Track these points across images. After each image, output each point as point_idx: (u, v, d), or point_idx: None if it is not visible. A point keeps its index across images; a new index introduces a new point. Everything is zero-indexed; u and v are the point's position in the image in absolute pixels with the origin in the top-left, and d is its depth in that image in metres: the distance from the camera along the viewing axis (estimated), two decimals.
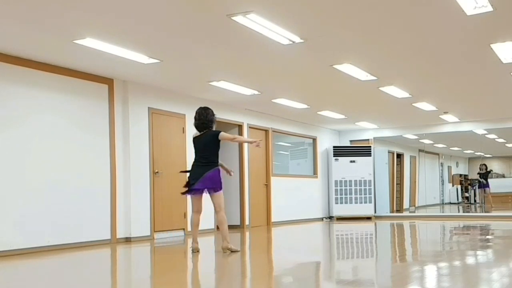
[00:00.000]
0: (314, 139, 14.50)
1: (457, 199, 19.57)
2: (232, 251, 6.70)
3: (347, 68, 8.14)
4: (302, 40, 6.59)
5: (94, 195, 8.17)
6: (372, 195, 14.39)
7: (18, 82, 7.20)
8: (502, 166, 19.37)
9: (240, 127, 11.47)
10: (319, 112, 12.25)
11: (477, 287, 4.34)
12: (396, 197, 16.86)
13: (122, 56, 7.13)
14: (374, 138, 15.35)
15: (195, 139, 6.90)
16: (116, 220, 8.48)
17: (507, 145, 18.29)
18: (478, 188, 17.97)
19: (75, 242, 7.80)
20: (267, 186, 12.36)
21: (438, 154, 18.97)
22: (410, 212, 16.96)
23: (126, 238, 8.62)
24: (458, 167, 20.30)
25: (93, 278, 5.36)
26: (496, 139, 17.07)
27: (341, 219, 14.22)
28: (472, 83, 9.65)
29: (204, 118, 6.81)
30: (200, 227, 7.05)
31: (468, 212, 16.89)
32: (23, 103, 7.25)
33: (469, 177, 19.80)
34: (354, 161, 14.44)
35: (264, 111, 11.93)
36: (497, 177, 18.57)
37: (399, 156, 17.32)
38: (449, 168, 19.80)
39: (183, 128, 9.75)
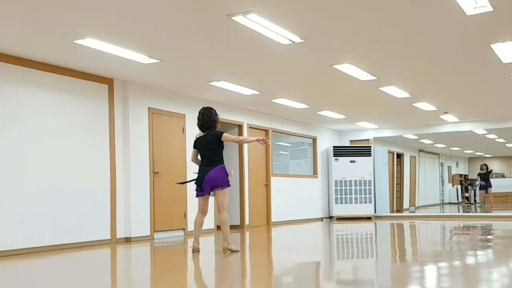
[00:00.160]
0: (314, 139, 14.50)
1: (457, 199, 19.58)
2: (232, 251, 6.69)
3: (347, 68, 8.14)
4: (302, 40, 6.59)
5: (94, 195, 8.17)
6: (372, 195, 14.39)
7: (18, 82, 7.20)
8: (502, 166, 19.38)
9: (240, 127, 11.47)
10: (319, 112, 12.25)
11: (477, 287, 4.34)
12: (396, 197, 16.86)
13: (122, 56, 7.13)
14: (374, 138, 15.35)
15: (199, 140, 6.87)
16: (116, 220, 8.48)
17: (507, 145, 18.29)
18: (480, 189, 17.96)
19: (75, 242, 7.80)
20: (267, 186, 12.36)
21: (438, 154, 18.98)
22: (410, 212, 16.96)
23: (126, 238, 8.62)
24: (458, 167, 20.31)
25: (93, 278, 5.36)
26: (496, 139, 17.08)
27: (341, 219, 14.22)
28: (472, 83, 9.65)
29: (208, 118, 6.80)
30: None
31: (468, 212, 16.89)
32: (23, 103, 7.25)
33: (469, 177, 19.81)
34: (354, 161, 14.43)
35: (264, 111, 11.93)
36: (497, 177, 18.58)
37: (399, 156, 17.33)
38: (449, 168, 19.80)
39: (183, 128, 9.75)
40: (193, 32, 6.32)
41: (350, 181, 14.35)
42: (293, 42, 6.61)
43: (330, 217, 14.59)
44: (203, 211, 6.85)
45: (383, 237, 9.75)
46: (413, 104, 11.39)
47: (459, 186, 19.80)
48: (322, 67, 8.08)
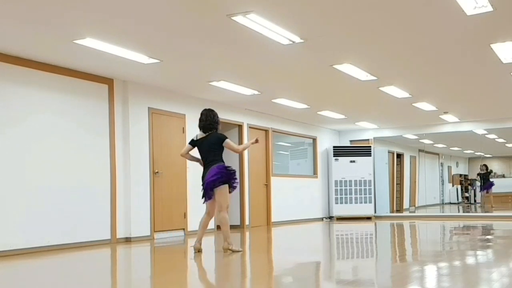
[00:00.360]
0: (314, 139, 14.50)
1: (457, 199, 19.58)
2: (233, 252, 6.69)
3: (347, 68, 8.14)
4: (302, 40, 6.59)
5: (94, 195, 8.17)
6: (372, 195, 14.39)
7: (18, 82, 7.20)
8: (502, 166, 19.38)
9: (240, 127, 11.47)
10: (319, 112, 12.25)
11: (477, 287, 4.34)
12: (396, 197, 16.86)
13: (122, 56, 7.13)
14: (374, 138, 15.35)
15: (199, 141, 6.84)
16: (116, 220, 8.48)
17: (507, 145, 18.29)
18: (480, 191, 17.96)
19: (75, 242, 7.79)
20: (267, 186, 12.36)
21: (438, 154, 18.98)
22: (410, 212, 16.96)
23: (126, 238, 8.62)
24: (458, 167, 20.31)
25: (93, 278, 5.36)
26: (496, 139, 17.08)
27: (341, 219, 14.22)
28: (472, 83, 9.65)
29: (211, 119, 6.80)
30: None
31: (468, 212, 16.89)
32: (23, 103, 7.25)
33: (469, 177, 19.81)
34: (354, 161, 14.43)
35: (264, 111, 11.93)
36: (497, 177, 18.58)
37: (399, 156, 17.33)
38: (449, 168, 19.81)
39: (183, 128, 9.75)
40: (193, 32, 6.32)
41: (350, 181, 14.35)
42: (293, 42, 6.61)
43: (330, 217, 14.59)
44: (209, 213, 6.85)
45: (383, 237, 9.75)
46: (413, 104, 11.39)
47: (459, 186, 19.81)
48: (322, 67, 8.08)
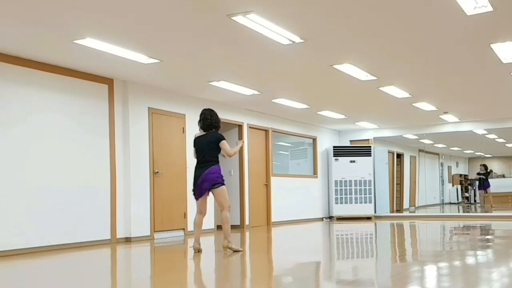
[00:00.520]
0: (314, 139, 14.50)
1: (457, 199, 19.58)
2: (234, 251, 6.71)
3: (347, 68, 8.14)
4: (302, 40, 6.59)
5: (94, 195, 8.17)
6: (372, 195, 14.39)
7: (18, 82, 7.20)
8: (502, 166, 19.38)
9: (240, 127, 11.47)
10: (319, 112, 12.25)
11: (477, 287, 4.34)
12: (396, 197, 16.86)
13: (122, 56, 7.13)
14: (374, 138, 15.35)
15: (198, 139, 6.90)
16: (116, 220, 8.48)
17: (507, 145, 18.29)
18: (478, 189, 17.96)
19: (75, 242, 7.80)
20: (267, 186, 12.36)
21: (438, 154, 18.98)
22: (410, 212, 16.96)
23: (126, 238, 8.62)
24: (458, 167, 20.31)
25: (93, 278, 5.36)
26: (496, 139, 17.08)
27: (341, 219, 14.22)
28: (472, 83, 9.65)
29: (215, 118, 6.89)
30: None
31: (468, 212, 16.89)
32: (23, 103, 7.25)
33: (469, 177, 19.81)
34: (354, 161, 14.43)
35: (264, 111, 11.93)
36: (497, 177, 18.58)
37: (399, 156, 17.33)
38: (449, 168, 19.81)
39: (183, 128, 9.75)
40: (193, 32, 6.32)
41: (350, 181, 14.35)
42: (293, 42, 6.61)
43: (330, 217, 14.59)
44: (201, 211, 6.91)
45: (383, 237, 9.75)
46: (413, 104, 11.39)
47: (459, 186, 19.81)
48: (322, 67, 8.08)
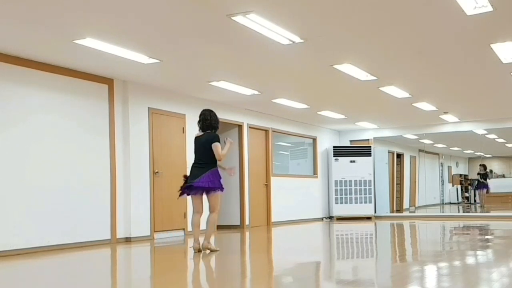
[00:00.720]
0: (314, 139, 14.50)
1: (457, 199, 19.58)
2: (211, 251, 6.79)
3: (347, 68, 8.14)
4: (302, 40, 6.59)
5: (94, 195, 8.17)
6: (372, 195, 14.39)
7: (18, 82, 7.20)
8: (502, 166, 19.38)
9: (240, 127, 11.47)
10: (319, 112, 12.25)
11: (477, 287, 4.34)
12: (396, 197, 16.86)
13: (122, 56, 7.13)
14: (374, 138, 15.35)
15: (197, 139, 6.97)
16: (116, 220, 8.48)
17: (507, 145, 18.29)
18: (477, 189, 17.96)
19: (75, 242, 7.79)
20: (267, 186, 12.36)
21: (438, 154, 18.98)
22: (410, 212, 16.96)
23: (126, 238, 8.62)
24: (458, 167, 20.31)
25: (93, 278, 5.36)
26: (496, 139, 17.08)
27: (341, 219, 14.22)
28: (472, 83, 9.65)
29: (215, 118, 6.91)
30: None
31: (468, 212, 16.89)
32: (23, 103, 7.25)
33: (469, 177, 19.81)
34: (354, 161, 14.43)
35: (264, 111, 11.93)
36: (497, 177, 18.58)
37: (399, 156, 17.32)
38: (449, 168, 19.81)
39: (183, 128, 9.75)
40: (193, 32, 6.32)
41: (350, 181, 14.35)
42: (293, 42, 6.61)
43: (330, 217, 14.59)
44: (197, 211, 6.94)
45: (383, 237, 9.75)
46: (413, 104, 11.39)
47: (459, 186, 19.81)
48: (322, 67, 8.08)
